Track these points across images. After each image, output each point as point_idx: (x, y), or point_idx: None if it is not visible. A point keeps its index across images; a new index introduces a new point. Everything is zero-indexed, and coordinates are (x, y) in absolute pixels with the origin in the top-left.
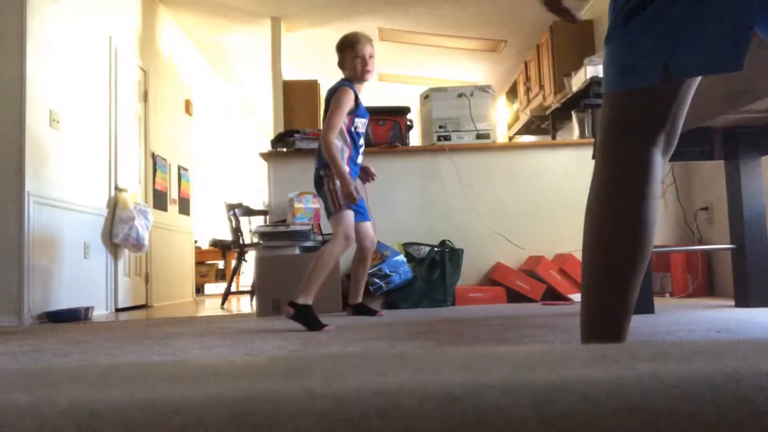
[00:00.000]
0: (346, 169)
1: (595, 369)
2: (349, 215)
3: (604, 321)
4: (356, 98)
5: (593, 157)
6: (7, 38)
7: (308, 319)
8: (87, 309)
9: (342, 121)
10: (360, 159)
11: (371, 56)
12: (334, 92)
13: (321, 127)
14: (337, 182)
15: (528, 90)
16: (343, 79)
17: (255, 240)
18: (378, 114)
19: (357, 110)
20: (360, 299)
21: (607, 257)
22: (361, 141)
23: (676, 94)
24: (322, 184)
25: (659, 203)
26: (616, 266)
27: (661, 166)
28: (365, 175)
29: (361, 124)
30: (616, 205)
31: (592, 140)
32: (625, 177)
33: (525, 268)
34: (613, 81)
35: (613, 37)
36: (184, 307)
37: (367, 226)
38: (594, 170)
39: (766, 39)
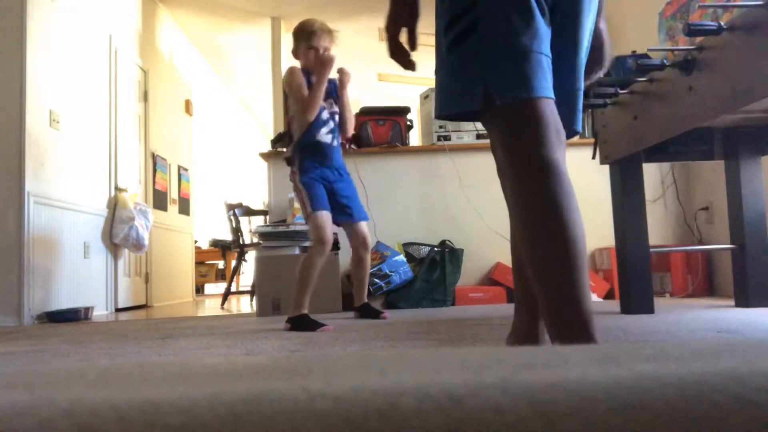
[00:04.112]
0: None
1: (595, 369)
2: (322, 217)
3: (583, 304)
4: (309, 81)
5: (593, 157)
6: (7, 38)
7: (304, 324)
8: (87, 309)
9: (305, 95)
10: (333, 141)
11: (326, 49)
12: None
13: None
14: (302, 188)
15: None
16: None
17: (255, 240)
18: (378, 114)
19: None
20: (364, 300)
21: (560, 246)
22: (327, 127)
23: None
24: (294, 185)
25: (660, 203)
26: (573, 251)
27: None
28: (341, 86)
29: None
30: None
31: (592, 140)
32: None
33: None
34: (443, 106)
35: (441, 65)
36: (184, 307)
37: (359, 225)
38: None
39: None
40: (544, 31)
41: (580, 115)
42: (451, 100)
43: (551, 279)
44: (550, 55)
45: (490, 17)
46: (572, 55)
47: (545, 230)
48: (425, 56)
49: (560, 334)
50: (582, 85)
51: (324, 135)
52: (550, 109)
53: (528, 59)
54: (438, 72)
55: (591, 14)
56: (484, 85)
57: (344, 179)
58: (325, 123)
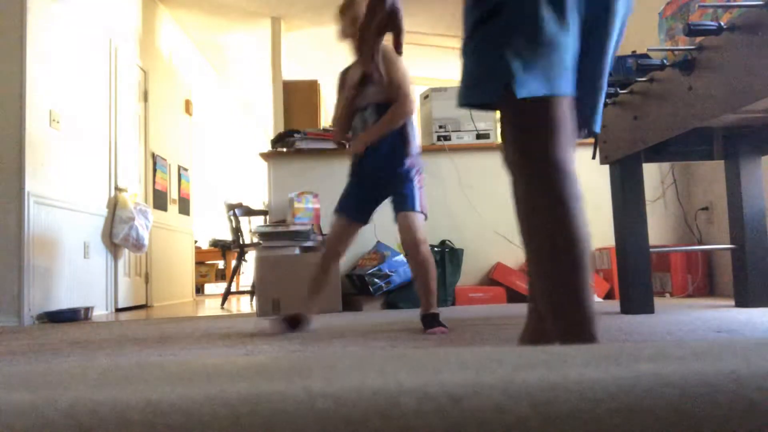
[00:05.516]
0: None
1: (595, 369)
2: (333, 219)
3: (585, 304)
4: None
5: (593, 157)
6: (7, 38)
7: (287, 321)
8: (87, 309)
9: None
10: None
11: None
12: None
13: (330, 126)
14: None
15: None
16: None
17: (255, 240)
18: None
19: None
20: (430, 309)
21: (564, 246)
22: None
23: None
24: None
25: (660, 203)
26: (576, 251)
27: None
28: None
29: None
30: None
31: (592, 140)
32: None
33: (525, 268)
34: (463, 95)
35: (463, 50)
36: (184, 307)
37: (400, 216)
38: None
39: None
40: (572, 22)
41: (600, 116)
42: (472, 90)
43: (554, 278)
44: (576, 49)
45: (517, 2)
46: (599, 51)
47: (549, 229)
48: (425, 56)
49: (562, 334)
50: (605, 83)
51: (359, 129)
52: (566, 109)
53: (551, 53)
54: (461, 57)
55: (623, 8)
56: (504, 75)
57: (387, 163)
58: (357, 127)
